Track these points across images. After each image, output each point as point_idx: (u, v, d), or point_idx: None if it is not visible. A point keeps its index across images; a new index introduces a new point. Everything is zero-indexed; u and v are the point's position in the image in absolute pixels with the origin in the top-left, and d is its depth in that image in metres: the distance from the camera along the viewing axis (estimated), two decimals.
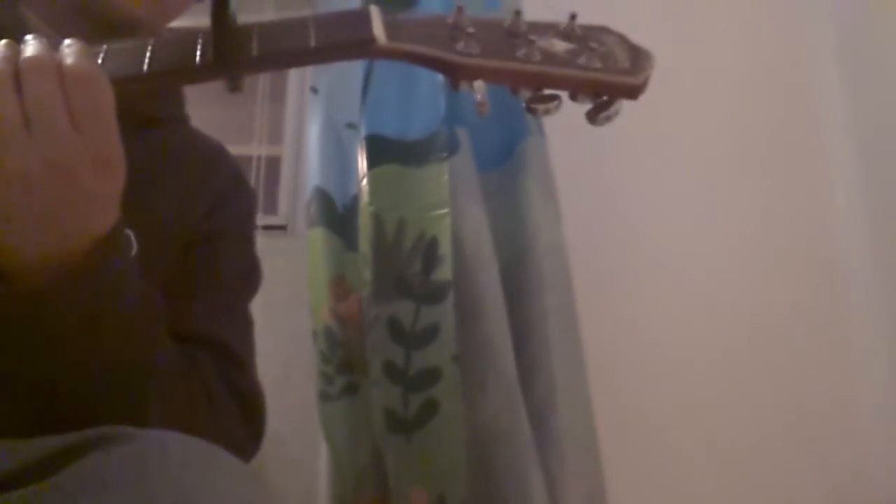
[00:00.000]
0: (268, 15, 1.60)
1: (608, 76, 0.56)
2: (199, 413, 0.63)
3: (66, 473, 0.42)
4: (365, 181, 1.09)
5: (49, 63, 0.48)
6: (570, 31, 0.57)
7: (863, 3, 1.38)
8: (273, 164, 1.62)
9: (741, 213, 1.33)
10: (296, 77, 1.67)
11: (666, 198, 1.34)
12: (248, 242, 0.83)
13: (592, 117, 0.56)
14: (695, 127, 1.36)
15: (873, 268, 1.28)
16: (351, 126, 1.22)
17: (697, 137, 1.36)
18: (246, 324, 0.78)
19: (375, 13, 0.55)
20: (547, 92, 0.56)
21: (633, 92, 0.56)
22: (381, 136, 1.10)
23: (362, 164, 1.10)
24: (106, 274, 0.52)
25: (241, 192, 0.84)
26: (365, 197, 1.08)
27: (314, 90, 1.31)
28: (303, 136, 1.49)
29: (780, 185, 1.34)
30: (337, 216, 1.21)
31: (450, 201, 1.02)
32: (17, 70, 0.47)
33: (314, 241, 1.20)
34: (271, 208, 1.59)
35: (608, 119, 0.56)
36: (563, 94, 0.56)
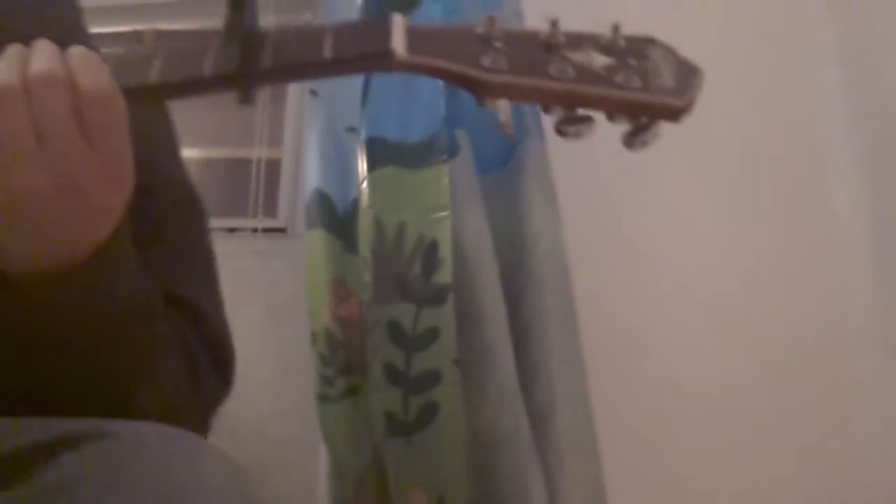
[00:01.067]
0: (268, 17, 1.60)
1: (647, 96, 0.51)
2: (183, 382, 0.63)
3: (39, 479, 0.42)
4: (365, 184, 1.09)
5: (61, 77, 0.46)
6: (613, 43, 0.52)
7: (864, 4, 1.38)
8: (273, 166, 1.62)
9: (741, 217, 1.33)
10: None
11: (666, 200, 1.34)
12: (179, 163, 0.78)
13: (628, 141, 0.52)
14: (694, 129, 1.35)
15: (874, 270, 1.28)
16: (351, 130, 1.22)
17: (697, 140, 1.36)
18: (200, 263, 0.74)
19: (398, 22, 0.51)
20: (580, 113, 0.51)
21: (675, 114, 0.51)
22: (381, 138, 1.10)
23: (362, 166, 1.10)
24: (105, 279, 0.52)
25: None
26: (365, 200, 1.08)
27: (314, 93, 1.31)
28: (303, 139, 1.49)
29: (781, 187, 1.34)
30: (337, 219, 1.21)
31: (450, 204, 1.02)
32: (27, 82, 0.46)
33: (314, 244, 1.20)
34: (271, 211, 1.59)
35: (645, 144, 0.51)
36: (599, 116, 0.51)
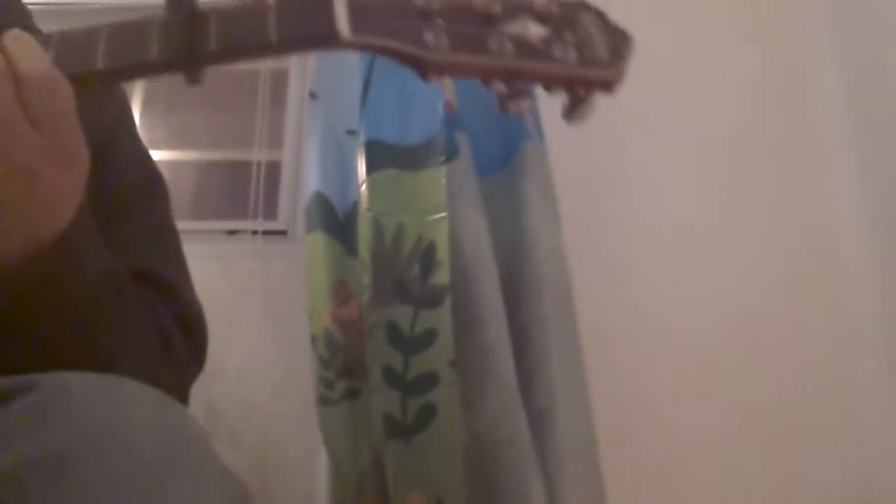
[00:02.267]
0: None
1: (583, 71, 0.53)
2: (157, 354, 0.63)
3: None
4: (364, 186, 1.09)
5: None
6: (547, 10, 0.53)
7: (863, 5, 1.38)
8: (273, 169, 1.63)
9: (742, 218, 1.33)
10: (296, 82, 1.67)
11: (666, 201, 1.34)
12: (138, 141, 0.77)
13: (567, 114, 0.53)
14: (695, 130, 1.36)
15: (872, 269, 1.28)
16: (351, 132, 1.22)
17: (698, 141, 1.36)
18: (168, 238, 0.73)
19: None
20: (520, 86, 0.52)
21: (609, 86, 0.53)
22: (380, 141, 1.10)
23: (362, 169, 1.11)
24: (69, 262, 0.53)
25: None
26: (364, 202, 1.08)
27: (314, 96, 1.31)
28: (303, 142, 1.49)
29: (781, 187, 1.34)
30: (337, 221, 1.21)
31: (448, 206, 1.02)
32: None
33: (313, 246, 1.21)
34: (271, 213, 1.59)
35: (582, 117, 0.53)
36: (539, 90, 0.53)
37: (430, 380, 0.98)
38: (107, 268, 0.58)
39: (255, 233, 1.52)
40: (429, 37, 0.51)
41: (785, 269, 1.31)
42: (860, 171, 1.32)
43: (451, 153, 1.06)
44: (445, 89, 0.54)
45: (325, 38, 0.51)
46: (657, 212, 1.34)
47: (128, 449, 0.41)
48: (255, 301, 1.42)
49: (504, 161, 1.14)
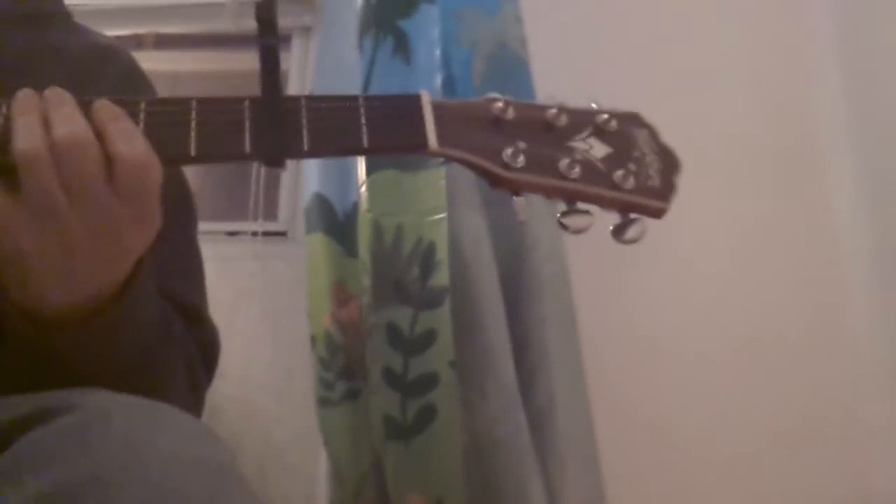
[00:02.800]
0: None
1: (638, 199, 0.58)
2: (184, 380, 0.65)
3: (9, 453, 0.42)
4: (364, 187, 1.09)
5: (88, 141, 0.47)
6: (607, 125, 0.59)
7: (863, 11, 1.38)
8: (273, 170, 1.63)
9: (743, 223, 1.33)
10: (296, 82, 1.67)
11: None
12: None
13: (617, 234, 0.58)
14: (696, 136, 1.35)
15: (874, 276, 1.28)
16: None
17: (699, 146, 1.35)
18: (195, 261, 0.74)
19: (426, 102, 0.55)
20: (581, 206, 0.57)
21: (658, 215, 0.59)
22: None
23: (361, 170, 1.10)
24: (131, 313, 0.54)
25: (143, 84, 0.76)
26: (364, 203, 1.08)
27: None
28: None
29: (782, 193, 1.34)
30: (337, 222, 1.21)
31: (447, 206, 1.02)
32: (54, 147, 0.47)
33: (313, 247, 1.21)
34: (271, 215, 1.59)
35: (632, 238, 0.58)
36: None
37: (429, 381, 0.98)
38: (160, 316, 0.59)
39: (255, 234, 1.52)
40: (507, 154, 0.56)
41: (785, 270, 1.31)
42: (861, 179, 1.32)
43: None
44: (516, 204, 0.57)
45: (414, 148, 0.56)
46: None
47: (162, 480, 0.41)
48: (255, 302, 1.42)
49: None
